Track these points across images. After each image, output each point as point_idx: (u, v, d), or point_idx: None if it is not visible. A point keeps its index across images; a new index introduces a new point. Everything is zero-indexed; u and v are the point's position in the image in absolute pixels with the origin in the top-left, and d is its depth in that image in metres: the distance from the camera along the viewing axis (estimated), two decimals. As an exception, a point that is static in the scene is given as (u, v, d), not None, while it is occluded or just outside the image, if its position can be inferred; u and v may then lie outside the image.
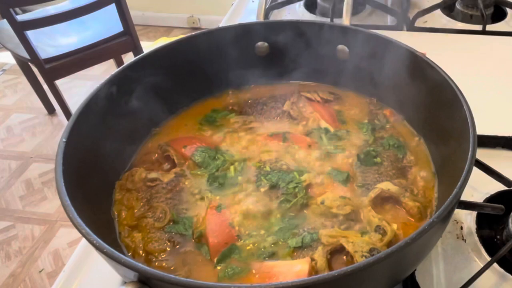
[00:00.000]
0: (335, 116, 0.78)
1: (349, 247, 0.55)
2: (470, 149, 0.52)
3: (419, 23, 1.16)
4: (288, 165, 0.68)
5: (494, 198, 0.70)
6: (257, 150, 0.72)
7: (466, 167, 0.50)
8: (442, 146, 0.66)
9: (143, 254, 0.59)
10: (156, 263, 0.58)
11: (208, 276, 0.56)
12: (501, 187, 0.68)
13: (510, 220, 0.63)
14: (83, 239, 0.55)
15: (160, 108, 0.78)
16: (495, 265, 0.61)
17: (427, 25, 1.17)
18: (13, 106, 2.85)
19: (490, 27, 1.13)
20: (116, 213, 0.64)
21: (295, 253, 0.57)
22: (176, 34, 3.50)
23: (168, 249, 0.59)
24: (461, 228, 0.67)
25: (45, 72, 2.04)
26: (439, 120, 0.66)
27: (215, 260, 0.57)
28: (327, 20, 1.17)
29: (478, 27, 1.12)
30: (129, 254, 0.59)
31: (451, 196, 0.47)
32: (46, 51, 2.07)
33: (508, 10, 1.19)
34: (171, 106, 0.79)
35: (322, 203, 0.62)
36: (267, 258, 0.57)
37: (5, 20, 1.88)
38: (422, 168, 0.68)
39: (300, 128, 0.76)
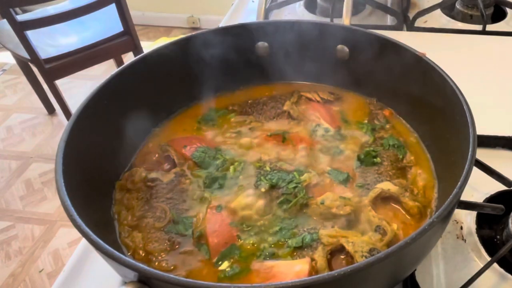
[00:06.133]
0: (335, 116, 0.78)
1: (349, 247, 0.55)
2: (470, 149, 0.52)
3: (419, 23, 1.16)
4: (288, 165, 0.68)
5: (494, 198, 0.70)
6: (257, 150, 0.72)
7: (466, 167, 0.50)
8: (442, 146, 0.66)
9: (143, 254, 0.59)
10: (156, 263, 0.58)
11: (208, 276, 0.56)
12: (501, 187, 0.68)
13: (510, 220, 0.63)
14: (83, 239, 0.55)
15: (160, 108, 0.78)
16: (495, 265, 0.61)
17: (427, 25, 1.17)
18: (13, 106, 2.85)
19: (490, 27, 1.12)
20: (116, 213, 0.64)
21: (295, 253, 0.57)
22: (176, 34, 3.50)
23: (168, 249, 0.59)
24: (461, 228, 0.67)
25: (45, 72, 2.04)
26: (439, 120, 0.66)
27: (215, 260, 0.57)
28: (327, 20, 1.17)
29: (478, 27, 1.12)
30: (129, 254, 0.59)
31: (451, 196, 0.47)
32: (46, 51, 2.07)
33: (508, 10, 1.19)
34: (171, 106, 0.79)
35: (322, 203, 0.62)
36: (267, 258, 0.57)
37: (5, 20, 1.88)
38: (422, 168, 0.68)
39: (300, 128, 0.76)
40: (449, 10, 1.23)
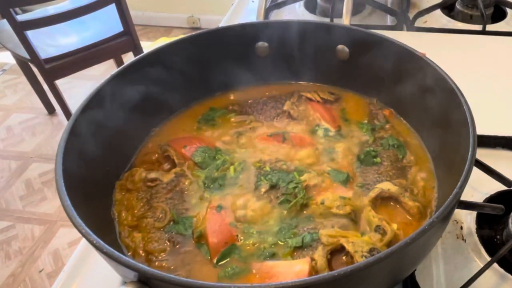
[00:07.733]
0: (335, 116, 0.78)
1: (349, 247, 0.55)
2: (470, 149, 0.52)
3: (419, 23, 1.16)
4: (288, 165, 0.68)
5: (494, 198, 0.70)
6: (257, 150, 0.72)
7: (466, 167, 0.50)
8: (442, 146, 0.66)
9: (143, 254, 0.59)
10: (156, 263, 0.58)
11: (208, 276, 0.56)
12: (501, 187, 0.68)
13: (510, 220, 0.63)
14: (83, 239, 0.55)
15: (160, 108, 0.78)
16: (495, 265, 0.61)
17: (427, 25, 1.17)
18: (13, 106, 2.85)
19: (490, 27, 1.12)
20: (116, 213, 0.64)
21: (295, 253, 0.57)
22: (176, 34, 3.50)
23: (168, 249, 0.59)
24: (461, 228, 0.67)
25: (45, 72, 2.04)
26: (439, 120, 0.66)
27: (215, 260, 0.57)
28: (327, 20, 1.17)
29: (478, 27, 1.12)
30: (129, 254, 0.59)
31: (451, 196, 0.47)
32: (46, 51, 2.07)
33: (508, 10, 1.19)
34: (171, 106, 0.79)
35: (322, 203, 0.62)
36: (267, 258, 0.57)
37: (5, 20, 1.88)
38: (422, 168, 0.68)
39: (300, 128, 0.76)
40: (449, 10, 1.23)
